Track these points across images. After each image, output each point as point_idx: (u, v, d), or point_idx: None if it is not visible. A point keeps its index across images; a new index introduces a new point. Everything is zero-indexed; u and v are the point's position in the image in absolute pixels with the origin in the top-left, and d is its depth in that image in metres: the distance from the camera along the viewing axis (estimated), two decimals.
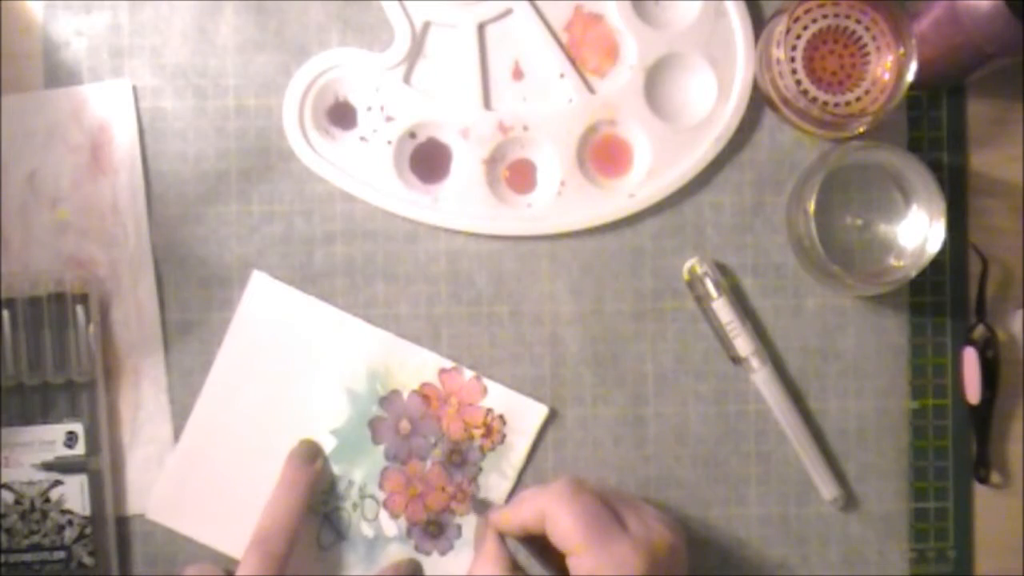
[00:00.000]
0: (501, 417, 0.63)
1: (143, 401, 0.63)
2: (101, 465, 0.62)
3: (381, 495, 0.63)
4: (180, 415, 0.63)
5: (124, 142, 0.63)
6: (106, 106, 0.63)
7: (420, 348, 0.63)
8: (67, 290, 0.61)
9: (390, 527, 0.63)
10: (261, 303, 0.63)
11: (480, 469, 0.63)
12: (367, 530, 0.63)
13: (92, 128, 0.63)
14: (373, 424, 0.63)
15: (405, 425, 0.63)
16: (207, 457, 0.62)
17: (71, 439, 0.61)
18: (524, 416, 0.63)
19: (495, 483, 0.63)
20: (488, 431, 0.63)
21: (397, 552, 0.63)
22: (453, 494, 0.63)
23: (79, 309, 0.61)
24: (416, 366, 0.63)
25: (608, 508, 0.54)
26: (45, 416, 0.61)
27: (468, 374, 0.63)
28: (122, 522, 0.63)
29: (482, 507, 0.62)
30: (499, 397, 0.63)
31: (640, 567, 0.51)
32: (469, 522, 0.63)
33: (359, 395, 0.63)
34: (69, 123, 0.63)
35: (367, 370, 0.63)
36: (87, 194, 0.63)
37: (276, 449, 0.62)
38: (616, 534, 0.52)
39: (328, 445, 0.63)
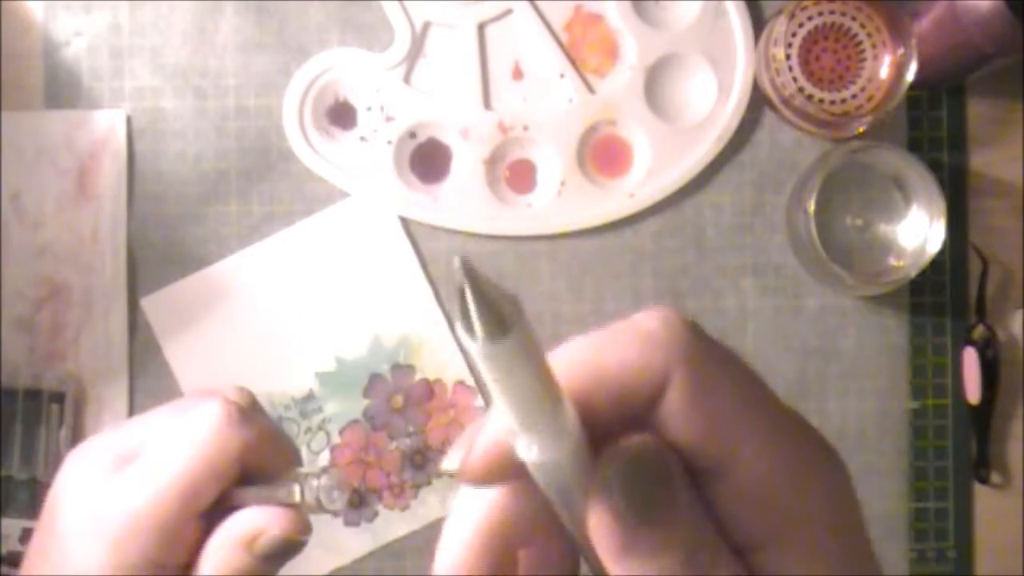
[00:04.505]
0: None
1: (103, 430, 0.62)
2: None
3: (336, 439, 0.63)
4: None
5: (112, 171, 0.63)
6: (99, 133, 0.63)
7: (456, 348, 0.63)
8: (43, 387, 0.61)
9: None
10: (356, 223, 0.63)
11: (429, 483, 0.63)
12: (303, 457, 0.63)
13: (82, 154, 0.63)
14: (374, 378, 0.63)
15: (398, 400, 0.63)
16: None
17: (27, 536, 0.60)
18: None
19: (431, 504, 0.63)
20: None
21: None
22: (391, 485, 0.63)
23: (53, 408, 0.61)
24: (442, 361, 0.63)
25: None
26: (4, 509, 0.60)
27: (480, 401, 0.63)
28: None
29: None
30: None
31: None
32: (388, 514, 0.63)
33: (383, 347, 0.63)
34: (60, 146, 0.62)
35: (402, 333, 0.63)
36: (69, 219, 0.63)
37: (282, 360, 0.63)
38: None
39: (328, 367, 0.63)
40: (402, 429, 0.63)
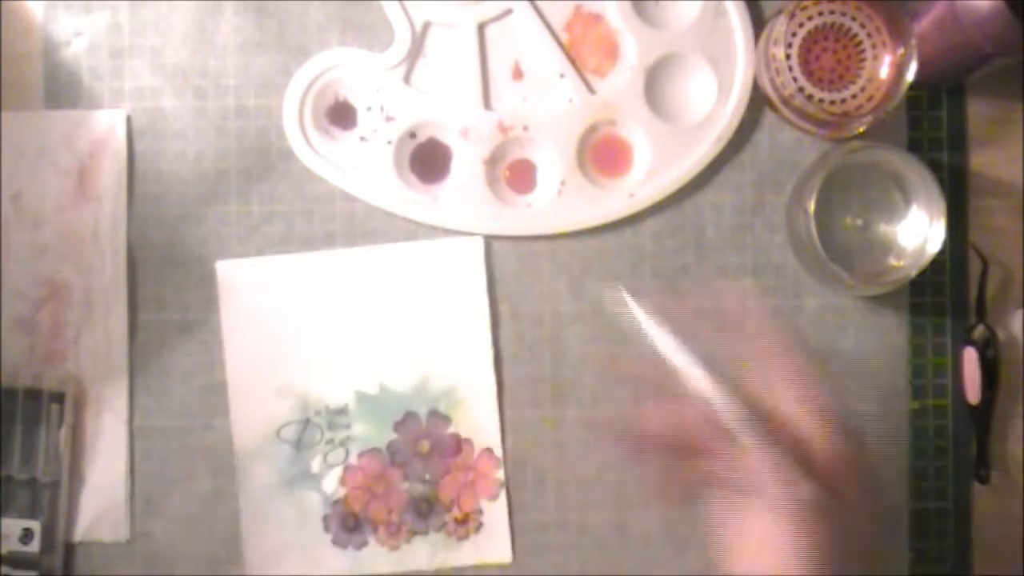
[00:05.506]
0: (480, 526, 0.63)
1: (103, 430, 0.63)
2: (54, 564, 0.61)
3: (353, 461, 0.63)
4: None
5: (112, 171, 0.63)
6: (99, 133, 0.63)
7: (496, 416, 0.63)
8: (43, 387, 0.61)
9: (331, 484, 0.63)
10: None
11: (426, 533, 0.63)
12: (316, 465, 0.63)
13: (82, 154, 0.63)
14: (409, 416, 0.63)
15: (424, 446, 0.63)
16: None
17: (27, 536, 0.60)
18: (491, 545, 0.63)
19: (422, 554, 0.63)
20: (464, 521, 0.63)
21: (313, 503, 0.62)
22: (389, 522, 0.63)
23: (53, 408, 0.61)
24: (478, 423, 0.63)
25: None
26: (4, 509, 0.61)
27: (501, 475, 0.63)
28: None
29: None
30: (496, 512, 0.63)
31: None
32: (376, 549, 0.62)
33: (428, 389, 0.63)
34: (60, 146, 0.63)
35: (451, 383, 0.63)
36: (69, 219, 0.63)
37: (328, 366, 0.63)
38: None
39: (371, 389, 0.63)
40: (419, 474, 0.63)
